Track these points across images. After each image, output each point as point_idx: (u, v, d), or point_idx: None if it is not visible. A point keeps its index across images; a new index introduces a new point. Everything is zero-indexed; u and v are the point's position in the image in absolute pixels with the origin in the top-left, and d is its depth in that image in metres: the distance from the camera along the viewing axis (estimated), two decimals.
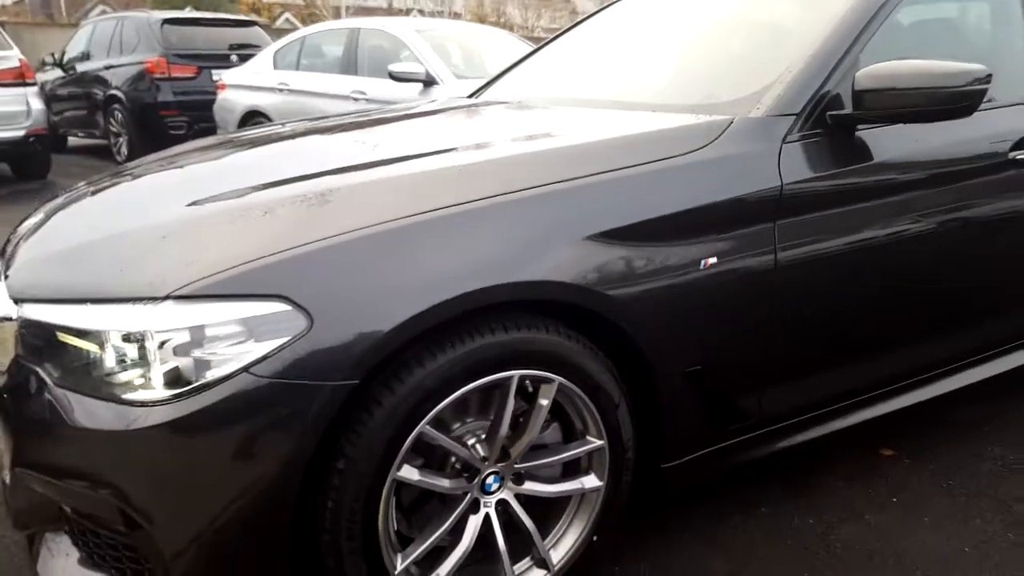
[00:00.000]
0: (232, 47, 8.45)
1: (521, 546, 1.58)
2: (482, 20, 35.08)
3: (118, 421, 1.26)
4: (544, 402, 1.49)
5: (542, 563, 1.59)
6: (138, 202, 1.79)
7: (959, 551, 1.82)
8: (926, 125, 1.79)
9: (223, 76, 7.33)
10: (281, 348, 1.25)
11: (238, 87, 7.03)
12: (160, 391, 1.26)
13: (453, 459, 1.49)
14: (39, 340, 1.40)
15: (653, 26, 2.59)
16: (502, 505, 1.55)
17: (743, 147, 1.68)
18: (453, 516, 1.48)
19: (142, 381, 1.27)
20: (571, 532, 1.63)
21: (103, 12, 24.39)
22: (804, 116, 1.75)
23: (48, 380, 1.36)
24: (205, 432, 1.25)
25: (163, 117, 7.90)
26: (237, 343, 1.25)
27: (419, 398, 1.35)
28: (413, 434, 1.36)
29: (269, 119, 6.66)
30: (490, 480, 1.52)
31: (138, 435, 1.25)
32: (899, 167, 1.87)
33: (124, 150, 8.35)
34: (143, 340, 1.26)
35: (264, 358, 1.25)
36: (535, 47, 3.15)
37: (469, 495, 1.50)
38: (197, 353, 1.25)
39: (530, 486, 1.57)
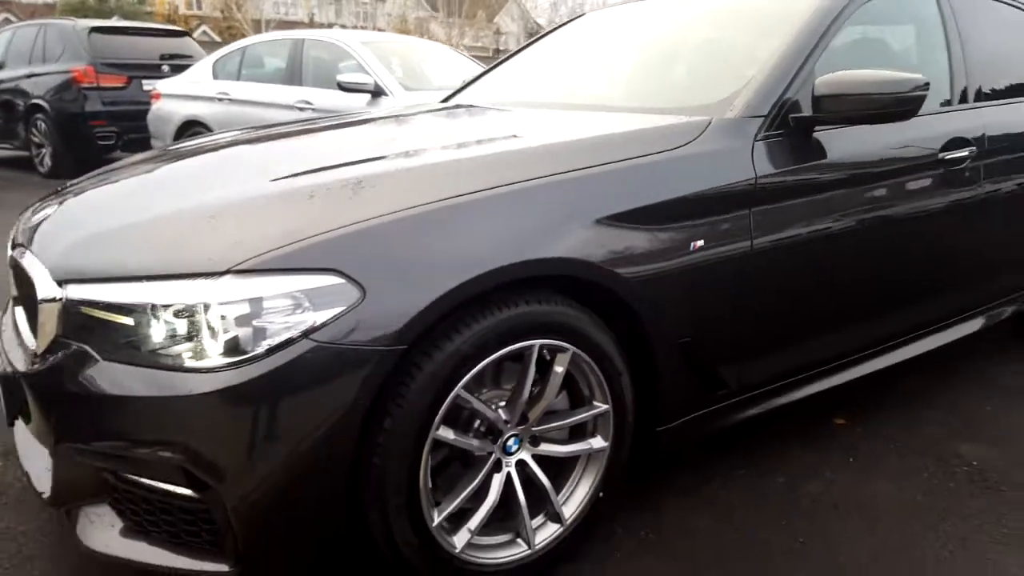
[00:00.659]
0: (163, 57, 8.32)
1: (535, 504, 1.72)
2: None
3: (185, 388, 1.34)
4: (559, 369, 1.65)
5: (556, 518, 1.73)
6: (178, 185, 1.87)
7: (912, 499, 2.07)
8: (873, 127, 2.05)
9: (157, 86, 7.22)
10: (337, 317, 1.37)
11: (175, 97, 6.94)
12: (224, 358, 1.35)
13: (477, 423, 1.63)
14: (88, 318, 1.46)
15: (625, 37, 2.81)
16: (520, 465, 1.69)
17: (722, 144, 1.90)
18: (481, 474, 1.62)
19: (206, 350, 1.36)
20: (580, 489, 1.78)
21: (7, 20, 23.26)
22: (770, 118, 1.97)
23: (98, 356, 1.43)
24: (268, 394, 1.34)
25: (92, 127, 7.70)
26: (295, 312, 1.36)
27: (456, 363, 1.48)
28: (451, 396, 1.49)
29: (209, 129, 6.61)
30: (511, 442, 1.66)
31: (205, 400, 1.33)
32: (850, 164, 2.11)
33: (48, 161, 8.08)
34: (206, 312, 1.36)
35: (322, 326, 1.36)
36: (504, 56, 3.32)
37: (493, 455, 1.64)
38: (256, 322, 1.35)
39: (545, 447, 1.72)
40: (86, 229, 1.65)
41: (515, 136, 1.99)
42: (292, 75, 6.23)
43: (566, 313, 1.62)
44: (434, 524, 1.54)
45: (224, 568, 1.43)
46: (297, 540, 1.45)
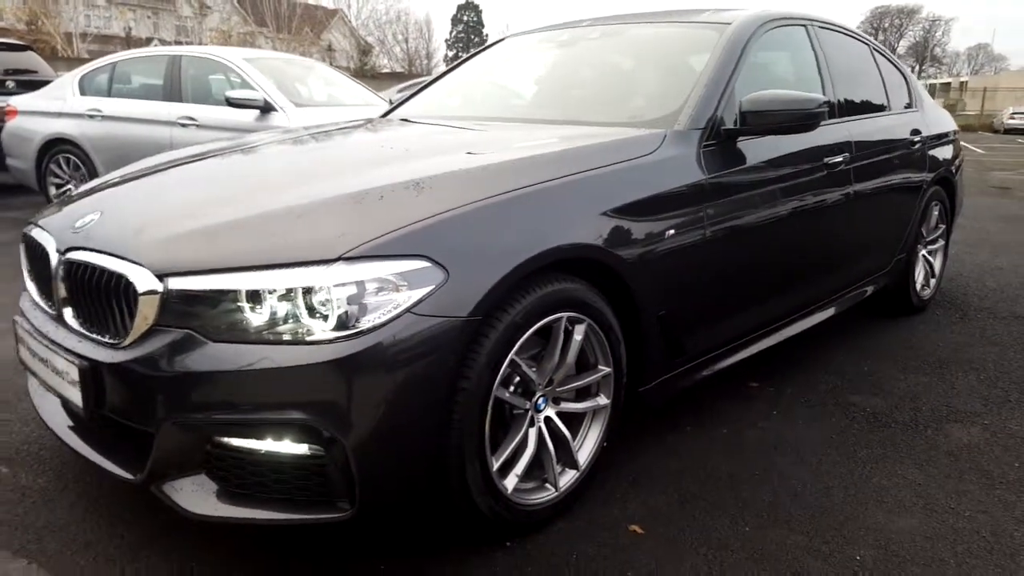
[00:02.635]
0: (7, 72, 7.76)
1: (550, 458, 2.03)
2: None
3: (312, 358, 1.54)
4: (578, 338, 1.97)
5: (573, 465, 2.04)
6: (243, 182, 2.08)
7: (829, 437, 2.58)
8: (776, 138, 2.56)
9: (11, 102, 6.75)
10: (429, 295, 1.61)
11: (35, 114, 6.53)
12: (338, 332, 1.56)
13: (513, 386, 1.91)
14: (193, 306, 1.60)
15: (556, 60, 3.20)
16: (547, 421, 1.99)
17: (679, 150, 2.31)
18: (523, 428, 1.90)
19: (324, 326, 1.56)
20: (588, 441, 2.10)
21: None
22: (707, 130, 2.42)
23: (205, 338, 1.59)
24: (380, 360, 1.56)
25: None
26: (395, 292, 1.59)
27: (511, 332, 1.76)
28: (508, 359, 1.78)
29: (79, 147, 6.31)
30: (540, 401, 1.96)
31: (331, 367, 1.54)
32: (762, 167, 2.59)
33: None
34: (323, 293, 1.56)
35: (418, 302, 1.60)
36: (439, 73, 3.60)
37: (529, 412, 1.93)
38: (365, 300, 1.57)
39: (565, 405, 2.04)
40: (178, 226, 1.78)
41: (520, 145, 2.29)
42: (171, 91, 6.09)
43: (583, 290, 1.95)
44: (494, 469, 1.81)
45: (344, 514, 1.62)
46: (397, 485, 1.68)
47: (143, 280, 1.65)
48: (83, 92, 6.46)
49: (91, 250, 1.81)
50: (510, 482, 1.88)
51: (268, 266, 1.60)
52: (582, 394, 2.10)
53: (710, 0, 4.18)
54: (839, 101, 3.15)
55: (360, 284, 1.58)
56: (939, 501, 2.21)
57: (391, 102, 3.67)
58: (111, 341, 1.73)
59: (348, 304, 1.57)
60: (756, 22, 2.83)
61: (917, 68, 61.61)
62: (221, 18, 39.81)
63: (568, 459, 2.04)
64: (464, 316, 1.65)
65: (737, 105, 2.43)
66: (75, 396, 1.78)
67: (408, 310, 1.59)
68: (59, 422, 2.01)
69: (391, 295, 1.60)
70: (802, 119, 2.42)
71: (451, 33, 57.65)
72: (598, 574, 1.83)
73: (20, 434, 2.51)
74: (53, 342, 1.86)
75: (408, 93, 3.65)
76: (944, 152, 4.00)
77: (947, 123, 4.23)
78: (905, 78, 3.92)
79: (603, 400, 2.11)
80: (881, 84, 3.63)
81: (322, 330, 1.57)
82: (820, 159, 2.86)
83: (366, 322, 1.57)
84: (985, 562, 1.93)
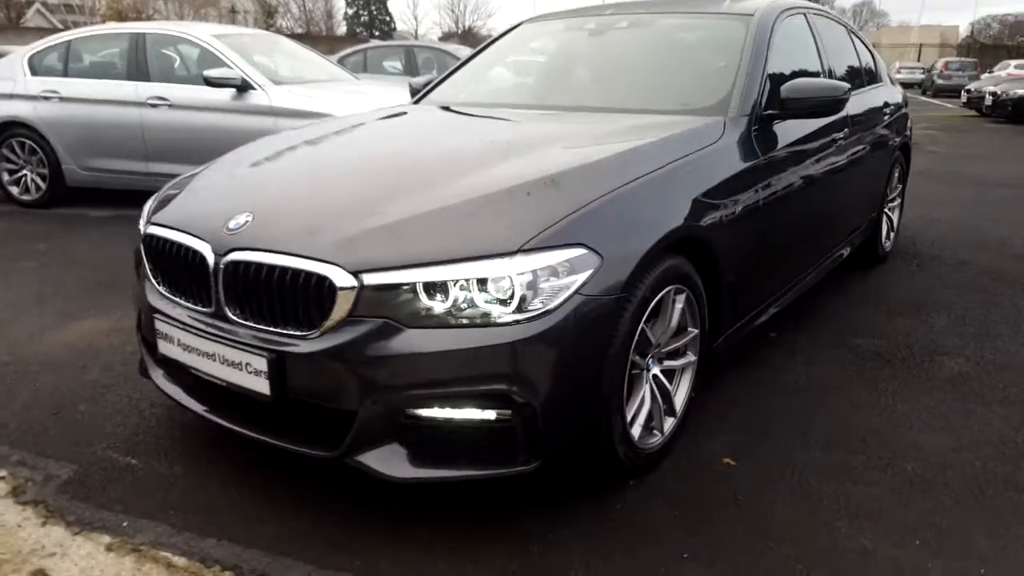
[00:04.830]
0: None
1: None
2: (122, 16, 32.08)
3: (505, 337, 1.80)
4: (680, 306, 2.29)
5: (672, 412, 2.38)
6: (384, 177, 2.28)
7: (848, 375, 3.04)
8: (800, 120, 2.93)
9: None
10: (591, 277, 1.89)
11: None
12: (519, 314, 1.82)
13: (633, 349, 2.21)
14: (388, 298, 1.83)
15: (589, 47, 3.45)
16: (653, 378, 2.32)
17: (737, 135, 2.64)
18: (645, 383, 2.22)
19: (503, 309, 1.82)
20: (681, 391, 2.44)
21: None
22: (752, 116, 2.76)
23: (402, 325, 1.82)
24: (560, 335, 1.84)
25: None
26: (565, 276, 1.86)
27: (641, 304, 2.06)
28: (639, 327, 2.08)
29: (35, 130, 6.08)
30: (650, 361, 2.28)
31: (524, 344, 1.80)
32: (794, 145, 2.96)
33: None
34: (504, 281, 1.81)
35: (584, 284, 1.88)
36: (467, 56, 3.76)
37: (646, 371, 2.25)
38: (542, 285, 1.84)
39: (668, 363, 2.37)
40: (356, 226, 1.97)
41: (611, 137, 2.54)
42: (136, 70, 5.94)
43: (685, 265, 2.26)
44: (628, 417, 2.13)
45: (531, 466, 1.90)
46: (570, 438, 1.97)
47: (341, 278, 1.85)
48: (35, 72, 6.20)
49: (263, 251, 1.97)
50: (635, 431, 2.20)
51: (456, 260, 1.83)
52: (675, 353, 2.43)
53: None
54: (837, 79, 3.55)
55: (535, 272, 1.84)
56: (953, 420, 2.68)
57: (411, 86, 3.81)
58: (300, 333, 1.92)
59: (527, 289, 1.82)
60: (773, 12, 3.18)
61: None
62: None
63: (669, 408, 2.38)
64: (616, 294, 1.95)
65: (768, 91, 2.77)
66: (259, 385, 1.96)
67: (576, 292, 1.87)
68: (203, 408, 2.19)
69: (560, 279, 1.86)
70: (832, 104, 2.79)
71: None
72: (713, 500, 2.19)
73: (126, 426, 2.62)
74: (222, 336, 2.03)
75: (424, 79, 3.78)
76: (904, 119, 4.52)
77: (901, 93, 4.75)
78: (872, 55, 4.39)
79: (692, 357, 2.45)
80: (859, 61, 4.08)
81: (505, 313, 1.83)
82: (830, 135, 3.26)
83: (543, 304, 1.83)
84: (1002, 463, 2.40)
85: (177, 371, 2.31)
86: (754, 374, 3.02)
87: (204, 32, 5.95)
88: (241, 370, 2.00)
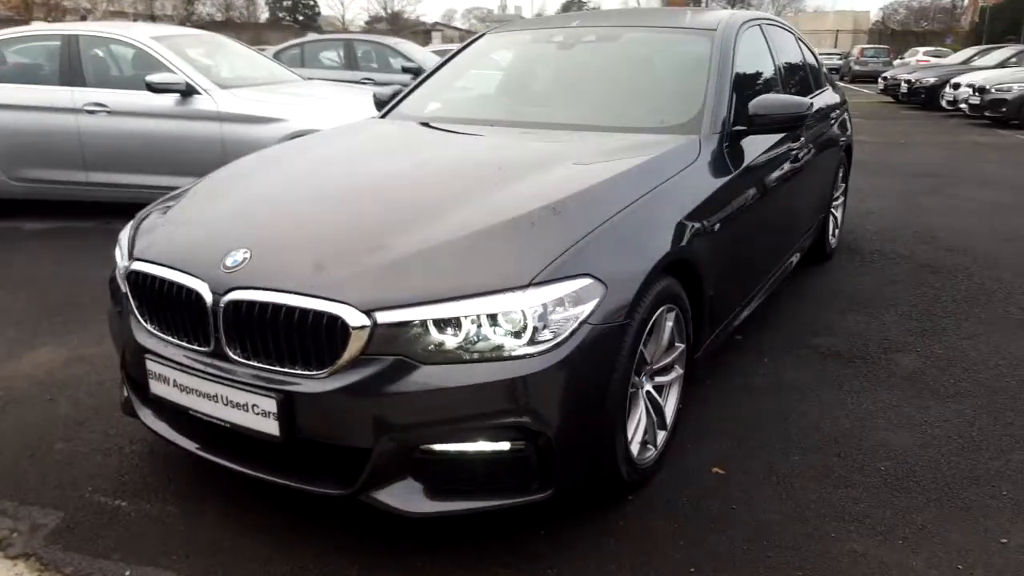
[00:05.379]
0: None
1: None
2: (28, 8, 30.34)
3: (519, 371, 1.83)
4: (670, 324, 2.38)
5: (663, 426, 2.47)
6: (377, 204, 2.30)
7: (815, 377, 3.20)
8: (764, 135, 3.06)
9: None
10: (597, 306, 1.95)
11: None
12: (532, 347, 1.86)
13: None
14: (401, 335, 1.84)
15: (553, 61, 3.49)
16: (647, 394, 2.39)
17: (712, 153, 2.74)
18: (640, 401, 2.30)
19: (516, 342, 1.85)
20: (670, 405, 2.53)
21: None
22: (723, 133, 2.86)
23: (417, 362, 1.84)
24: (571, 365, 1.89)
25: None
26: (573, 307, 1.91)
27: (640, 327, 2.13)
28: (639, 348, 2.15)
29: None
30: (643, 379, 2.36)
31: (537, 376, 1.84)
32: (760, 159, 3.07)
33: None
34: (516, 315, 1.85)
35: (591, 314, 1.93)
36: (432, 68, 3.74)
37: (641, 388, 2.33)
38: (552, 316, 1.88)
39: (657, 379, 2.45)
40: (362, 261, 1.96)
41: (592, 159, 2.61)
42: (69, 75, 5.65)
43: (675, 285, 2.34)
44: (629, 431, 2.21)
45: (545, 494, 1.95)
46: (580, 464, 2.03)
47: (353, 317, 1.85)
48: None
49: (266, 289, 1.95)
50: (634, 448, 2.28)
51: (468, 296, 1.86)
52: (665, 369, 2.51)
53: None
54: (790, 89, 3.70)
55: (545, 305, 1.88)
56: (914, 417, 2.86)
57: (376, 97, 3.77)
58: (308, 372, 1.91)
59: (538, 321, 1.87)
60: (734, 27, 3.29)
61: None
62: None
63: (661, 422, 2.46)
64: (620, 321, 2.01)
65: (735, 107, 2.88)
66: (267, 426, 1.95)
67: (584, 322, 1.92)
68: (193, 447, 2.16)
69: (568, 310, 1.91)
70: (796, 120, 2.92)
71: None
72: (708, 510, 2.29)
73: (108, 465, 2.54)
74: (223, 377, 2.00)
75: (390, 90, 3.75)
76: (846, 120, 4.73)
77: (841, 94, 4.96)
78: (816, 60, 4.57)
79: (679, 370, 2.54)
80: (806, 69, 4.24)
81: (518, 345, 1.87)
82: (787, 144, 3.40)
83: (553, 335, 1.88)
84: (962, 458, 2.58)
85: (165, 408, 2.26)
86: (726, 379, 3.14)
87: (142, 34, 5.72)
88: (247, 411, 1.98)
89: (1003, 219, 6.11)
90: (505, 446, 1.92)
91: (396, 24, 70.87)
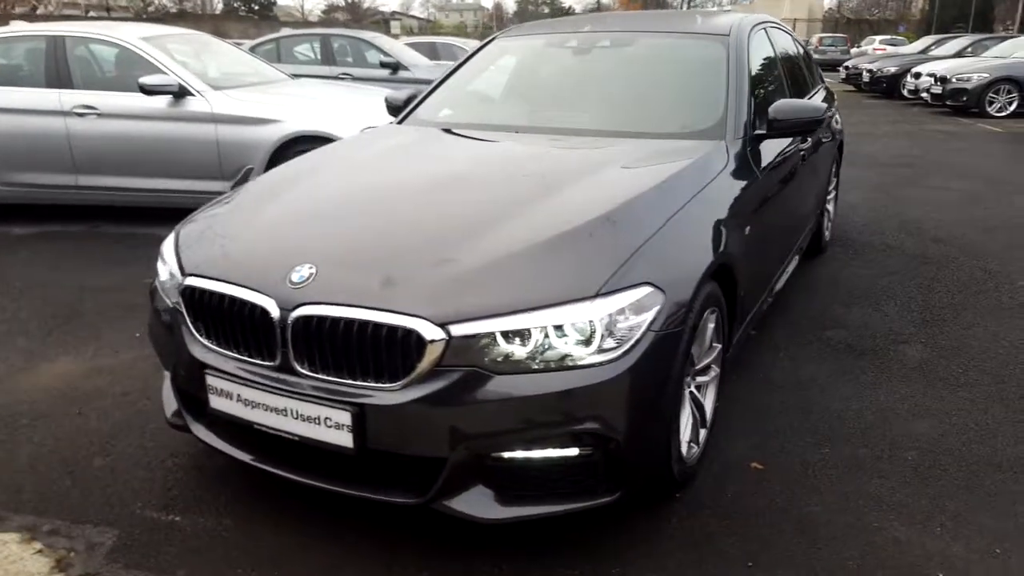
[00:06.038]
0: None
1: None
2: None
3: (592, 379, 1.89)
4: (711, 326, 2.46)
5: (704, 424, 2.55)
6: (434, 216, 2.33)
7: (832, 369, 3.32)
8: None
9: None
10: (658, 313, 2.02)
11: None
12: (601, 355, 1.92)
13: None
14: (474, 346, 1.88)
15: (570, 68, 3.53)
16: (691, 395, 2.48)
17: (738, 157, 2.82)
18: (686, 402, 2.38)
19: (585, 350, 1.91)
20: (708, 403, 2.61)
21: None
22: (746, 137, 2.95)
23: (491, 372, 1.88)
24: (640, 371, 1.95)
25: None
26: (638, 315, 1.98)
27: (692, 331, 2.21)
28: (693, 348, 2.23)
29: None
30: (688, 379, 2.44)
31: (609, 383, 1.90)
32: (777, 160, 3.18)
33: None
34: (584, 324, 1.91)
35: (653, 320, 2.00)
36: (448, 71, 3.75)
37: (686, 389, 2.41)
38: (619, 325, 1.95)
39: (698, 379, 2.53)
40: (433, 275, 2.00)
41: (636, 163, 2.67)
42: (57, 77, 5.52)
43: (716, 288, 2.42)
44: (682, 428, 2.29)
45: (613, 497, 2.02)
46: (644, 466, 2.11)
47: (429, 331, 1.88)
48: None
49: (337, 304, 1.98)
50: (683, 447, 2.36)
51: (539, 307, 1.91)
52: (705, 369, 2.60)
53: None
54: (794, 89, 3.81)
55: (611, 314, 1.95)
56: (930, 407, 3.00)
57: (388, 103, 3.76)
58: (381, 384, 1.95)
59: (605, 330, 1.93)
60: (745, 30, 3.38)
61: (686, 4, 66.19)
62: None
63: (702, 420, 2.55)
64: (678, 327, 2.08)
65: (754, 111, 2.97)
66: (340, 438, 1.97)
67: (648, 329, 1.99)
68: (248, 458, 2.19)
69: (632, 319, 1.98)
70: (814, 124, 3.02)
71: None
72: (754, 505, 2.38)
73: (153, 480, 2.53)
74: (292, 391, 2.02)
75: (404, 94, 3.75)
76: (837, 116, 4.87)
77: (828, 89, 5.10)
78: (811, 59, 4.69)
79: (716, 370, 2.63)
80: (805, 68, 4.36)
81: (587, 354, 1.93)
82: (797, 144, 3.50)
83: (618, 343, 1.94)
84: (982, 445, 2.72)
85: (218, 421, 2.28)
86: (748, 375, 3.24)
87: (131, 34, 5.60)
88: (319, 424, 2.00)
89: (980, 209, 6.35)
90: (574, 451, 1.98)
91: (355, 14, 70.02)
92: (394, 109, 3.70)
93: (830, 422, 2.87)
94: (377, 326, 1.93)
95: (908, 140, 10.74)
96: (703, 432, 2.56)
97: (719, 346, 2.58)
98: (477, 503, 1.99)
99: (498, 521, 2.00)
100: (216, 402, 2.19)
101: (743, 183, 2.76)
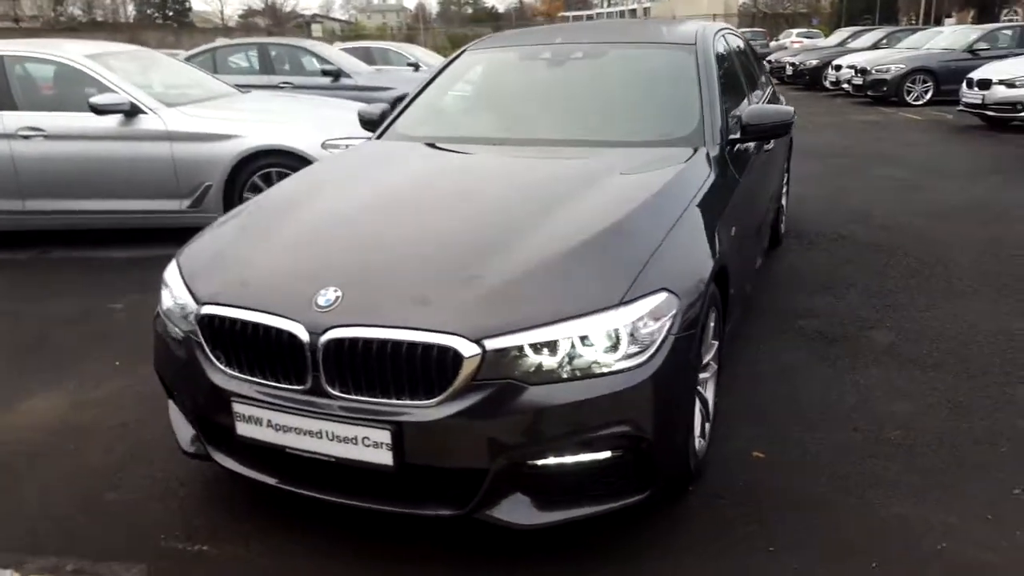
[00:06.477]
0: None
1: None
2: None
3: (623, 384, 1.98)
4: (712, 324, 2.58)
5: (708, 418, 2.67)
6: (447, 235, 2.38)
7: (811, 357, 3.51)
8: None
9: None
10: (675, 316, 2.12)
11: None
12: (627, 361, 2.01)
13: None
14: (508, 360, 1.95)
15: (550, 79, 3.62)
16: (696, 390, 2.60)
17: (719, 163, 2.95)
18: (698, 398, 2.49)
19: (613, 357, 2.00)
20: (708, 395, 2.74)
21: None
22: (723, 143, 3.09)
23: (525, 383, 1.95)
24: (665, 374, 2.05)
25: None
26: (658, 321, 2.08)
27: (702, 331, 2.32)
28: (704, 344, 2.35)
29: None
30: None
31: (640, 387, 2.00)
32: (751, 163, 3.35)
33: None
34: (610, 332, 2.00)
35: (672, 324, 2.10)
36: (414, 93, 3.77)
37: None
38: (643, 331, 2.04)
39: (702, 375, 2.65)
40: (461, 294, 2.05)
41: (630, 172, 2.77)
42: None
43: (715, 289, 2.55)
44: (695, 432, 2.40)
45: (645, 495, 2.12)
46: (671, 464, 2.21)
47: (465, 347, 1.94)
48: None
49: (367, 326, 2.01)
50: (697, 443, 2.48)
51: (567, 318, 1.99)
52: (706, 366, 2.72)
53: None
54: (749, 89, 3.99)
55: (634, 321, 2.04)
56: (905, 388, 3.20)
57: (361, 116, 3.77)
58: (416, 402, 1.99)
59: (629, 337, 2.02)
60: (709, 38, 3.53)
61: (605, 2, 67.14)
62: None
63: (706, 414, 2.68)
64: (693, 329, 2.19)
65: (726, 116, 3.12)
66: (380, 457, 2.01)
67: (668, 333, 2.09)
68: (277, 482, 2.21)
69: (652, 324, 2.08)
70: (784, 128, 3.18)
71: None
72: (764, 492, 2.51)
73: (169, 510, 2.50)
74: (326, 413, 2.05)
75: (378, 109, 3.76)
76: None
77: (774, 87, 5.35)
78: (760, 59, 4.91)
79: (715, 366, 2.76)
80: (758, 70, 4.57)
81: (613, 360, 2.01)
82: (761, 146, 3.68)
83: (641, 348, 2.04)
84: (959, 421, 2.93)
85: (239, 447, 2.27)
86: (732, 368, 3.39)
87: (75, 52, 5.42)
88: (356, 444, 2.03)
89: (915, 196, 6.74)
90: (607, 454, 2.07)
91: (276, 18, 68.65)
92: (369, 124, 3.70)
93: (818, 408, 3.04)
94: (412, 345, 1.97)
95: (837, 131, 11.25)
96: (708, 426, 2.68)
97: (716, 343, 2.71)
98: (516, 510, 2.05)
99: (537, 527, 2.07)
100: (244, 428, 2.19)
101: (727, 186, 2.90)
